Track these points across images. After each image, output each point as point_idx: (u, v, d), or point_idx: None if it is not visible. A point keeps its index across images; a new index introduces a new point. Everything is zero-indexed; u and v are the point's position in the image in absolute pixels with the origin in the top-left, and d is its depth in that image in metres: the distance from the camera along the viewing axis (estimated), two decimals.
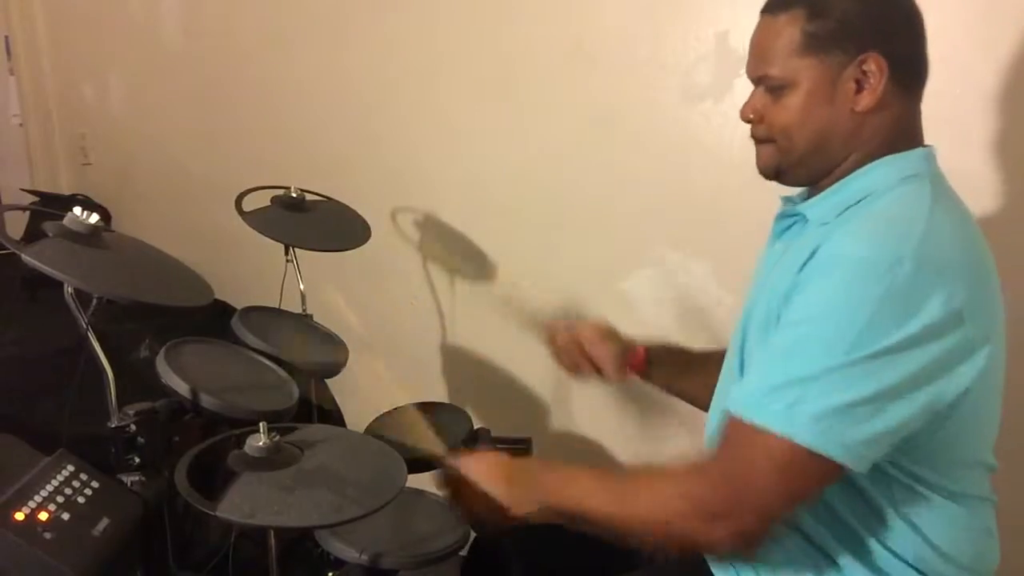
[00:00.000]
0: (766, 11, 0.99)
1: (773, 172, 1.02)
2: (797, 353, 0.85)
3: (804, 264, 0.90)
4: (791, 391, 0.84)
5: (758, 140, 1.02)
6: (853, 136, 0.96)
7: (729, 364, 1.08)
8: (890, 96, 0.94)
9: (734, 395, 0.90)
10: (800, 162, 0.99)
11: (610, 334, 1.32)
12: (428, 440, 1.17)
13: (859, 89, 0.94)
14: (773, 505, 0.87)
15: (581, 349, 1.33)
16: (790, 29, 0.95)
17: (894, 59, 0.94)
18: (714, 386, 1.14)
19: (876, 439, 0.84)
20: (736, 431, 0.88)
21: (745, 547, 0.88)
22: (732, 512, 0.86)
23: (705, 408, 1.16)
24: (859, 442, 0.83)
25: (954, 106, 1.33)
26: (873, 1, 0.95)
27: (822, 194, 0.99)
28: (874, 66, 0.93)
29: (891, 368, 0.82)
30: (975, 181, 1.33)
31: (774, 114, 0.98)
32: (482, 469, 1.06)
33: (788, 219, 1.05)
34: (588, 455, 1.95)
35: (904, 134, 0.98)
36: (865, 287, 0.83)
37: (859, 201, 0.95)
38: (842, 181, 0.97)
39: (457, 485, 1.09)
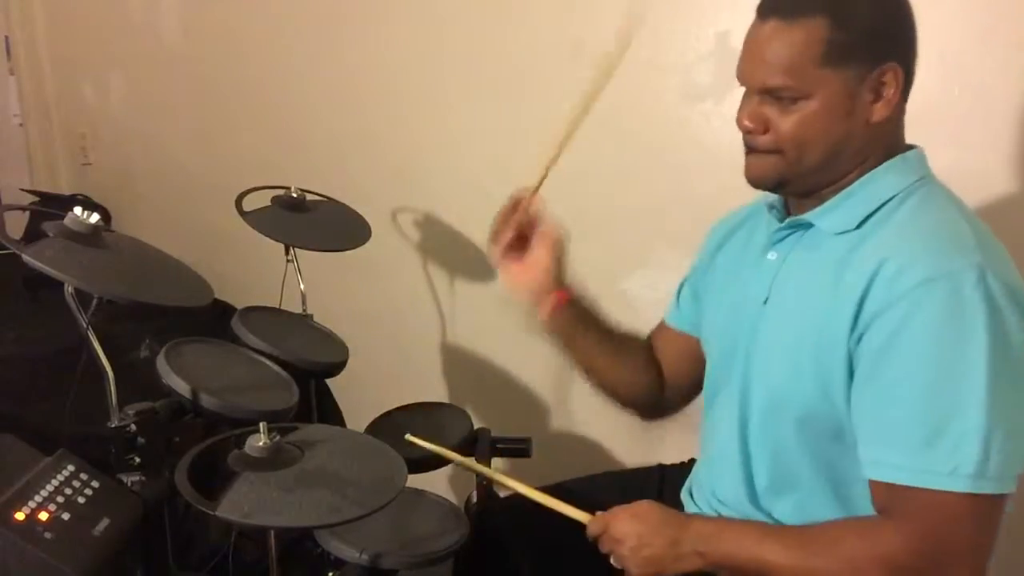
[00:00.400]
0: (776, 15, 0.92)
1: (774, 183, 0.99)
2: (933, 398, 0.84)
3: (864, 294, 0.88)
4: (945, 441, 0.83)
5: (758, 150, 0.97)
6: (865, 147, 0.95)
7: (727, 387, 1.07)
8: (896, 104, 0.94)
9: (876, 459, 0.88)
10: (808, 174, 0.96)
11: (560, 254, 1.24)
12: (568, 509, 1.11)
13: (875, 100, 0.92)
14: (980, 562, 0.86)
15: (523, 231, 1.24)
16: (811, 38, 0.90)
17: (907, 69, 0.93)
18: (619, 368, 1.17)
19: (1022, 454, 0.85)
20: (910, 501, 0.85)
21: None
22: None
23: (597, 386, 1.21)
24: (1017, 466, 0.84)
25: (953, 106, 1.33)
26: (892, 10, 0.93)
27: (830, 202, 0.97)
28: (892, 77, 0.92)
29: (1021, 376, 0.84)
30: (974, 181, 1.33)
31: (784, 125, 0.94)
32: (630, 528, 1.01)
33: (786, 231, 1.03)
34: (588, 455, 1.95)
35: (899, 136, 0.99)
36: (963, 309, 0.82)
37: (878, 208, 0.94)
38: (849, 189, 0.96)
39: (611, 547, 1.04)
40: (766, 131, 0.95)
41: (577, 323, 1.23)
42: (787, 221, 1.03)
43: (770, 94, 0.94)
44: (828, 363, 0.92)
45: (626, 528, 1.01)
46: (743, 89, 1.00)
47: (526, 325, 1.26)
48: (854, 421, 0.91)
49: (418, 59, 2.01)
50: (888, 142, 0.97)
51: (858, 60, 0.91)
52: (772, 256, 1.04)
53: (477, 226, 2.04)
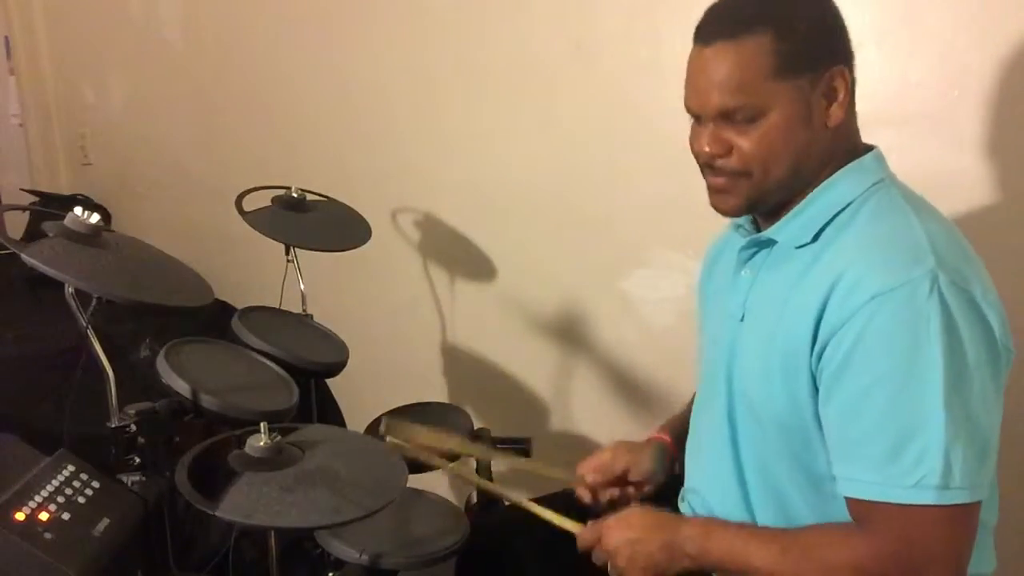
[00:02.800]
0: (720, 36, 0.91)
1: (745, 209, 0.99)
2: (892, 412, 0.84)
3: (821, 311, 0.88)
4: (908, 454, 0.83)
5: (725, 175, 0.96)
6: (826, 153, 0.95)
7: (714, 403, 1.07)
8: (848, 106, 0.94)
9: (844, 475, 0.89)
10: (776, 189, 0.95)
11: (626, 451, 1.21)
12: (560, 519, 1.11)
13: (829, 104, 0.92)
14: (957, 567, 0.86)
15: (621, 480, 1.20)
16: (759, 53, 0.89)
17: (851, 69, 0.94)
18: None
19: (991, 456, 0.86)
20: (880, 514, 0.86)
21: None
22: None
23: None
24: (984, 472, 0.85)
25: (952, 106, 1.33)
26: (829, 14, 0.93)
27: (787, 216, 0.97)
28: (841, 80, 0.92)
29: (978, 384, 0.84)
30: (973, 181, 1.33)
31: (746, 145, 0.92)
32: (623, 537, 1.01)
33: (751, 248, 1.03)
34: (588, 455, 1.95)
35: (854, 138, 0.99)
36: (916, 321, 0.83)
37: (833, 218, 0.94)
38: (806, 199, 0.96)
39: (606, 559, 1.04)
40: (730, 154, 0.95)
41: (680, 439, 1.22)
42: (748, 239, 1.03)
43: (727, 117, 0.93)
44: (795, 379, 0.93)
45: (619, 537, 1.02)
46: None
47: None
48: (825, 436, 0.92)
49: (418, 59, 2.01)
50: (847, 146, 0.97)
51: (807, 67, 0.91)
52: (745, 273, 1.04)
53: (477, 226, 2.04)
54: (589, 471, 1.19)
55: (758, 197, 0.96)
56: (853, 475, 0.88)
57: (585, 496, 1.19)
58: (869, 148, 1.00)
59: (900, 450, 0.84)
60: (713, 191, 0.99)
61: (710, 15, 0.95)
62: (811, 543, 0.92)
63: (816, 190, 0.96)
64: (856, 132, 0.99)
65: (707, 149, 0.95)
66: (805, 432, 0.94)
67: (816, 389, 0.91)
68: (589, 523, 1.07)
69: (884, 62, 1.38)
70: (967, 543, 0.87)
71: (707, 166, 0.98)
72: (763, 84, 0.90)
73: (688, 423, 1.19)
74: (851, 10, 1.27)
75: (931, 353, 0.82)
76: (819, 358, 0.90)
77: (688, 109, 0.98)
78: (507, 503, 1.22)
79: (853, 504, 0.89)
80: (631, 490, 1.20)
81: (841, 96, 0.92)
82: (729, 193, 0.97)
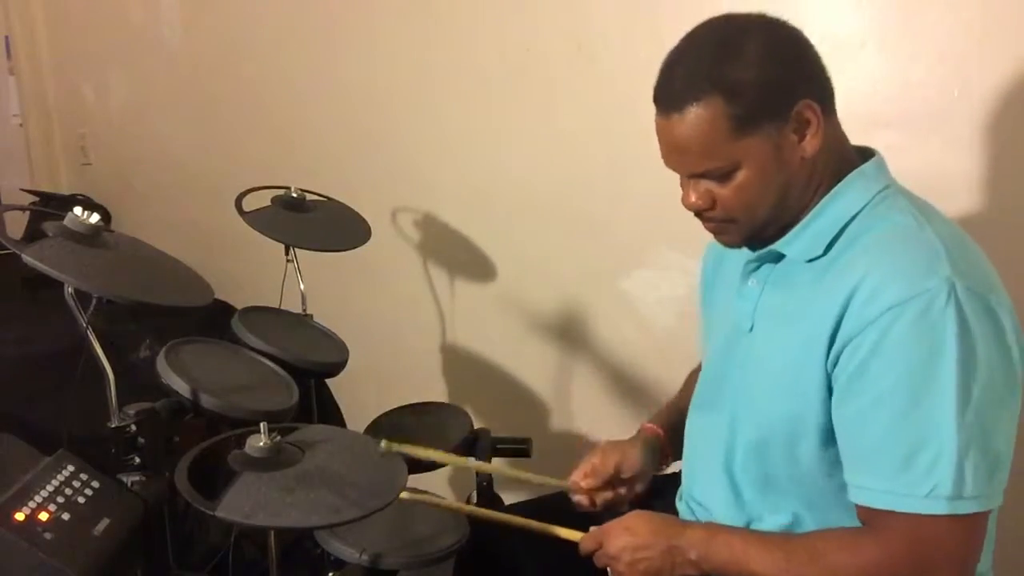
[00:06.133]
0: (672, 109, 0.93)
1: (746, 243, 1.01)
2: (905, 422, 0.85)
3: (839, 320, 0.88)
4: (920, 464, 0.83)
5: (715, 222, 0.99)
6: (811, 179, 0.95)
7: (715, 407, 1.07)
8: (826, 127, 0.93)
9: (856, 483, 0.89)
10: (767, 225, 0.97)
11: (614, 450, 1.21)
12: (561, 530, 1.12)
13: (802, 138, 0.92)
14: (965, 573, 0.87)
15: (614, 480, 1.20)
16: (713, 120, 0.90)
17: (820, 95, 0.93)
18: None
19: (1004, 465, 0.86)
20: (891, 522, 0.86)
21: None
22: None
23: None
24: (996, 481, 0.85)
25: (952, 106, 1.33)
26: (778, 57, 0.91)
27: (795, 230, 0.97)
28: (809, 112, 0.91)
29: (992, 392, 0.84)
30: (973, 181, 1.33)
31: (728, 197, 0.95)
32: (625, 542, 1.02)
33: (757, 261, 1.03)
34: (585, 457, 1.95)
35: (843, 148, 0.98)
36: (932, 331, 0.83)
37: (842, 230, 0.94)
38: (812, 212, 0.96)
39: (608, 564, 1.04)
40: (713, 206, 0.97)
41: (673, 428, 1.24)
42: (756, 253, 1.03)
43: (702, 176, 0.95)
44: (806, 388, 0.93)
45: (621, 543, 1.02)
46: None
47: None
48: (838, 444, 0.92)
49: (418, 59, 2.01)
50: (835, 162, 0.96)
51: (767, 117, 0.90)
52: (752, 284, 1.04)
53: (477, 226, 2.05)
54: (582, 477, 1.19)
55: (753, 234, 0.99)
56: (865, 483, 0.88)
57: (583, 502, 1.19)
58: (866, 152, 0.99)
59: (912, 459, 0.84)
60: (709, 230, 1.02)
61: (660, 84, 0.96)
62: (817, 549, 0.92)
63: (822, 203, 0.96)
64: (844, 143, 0.99)
65: (693, 203, 0.98)
66: (808, 441, 0.94)
67: (828, 395, 0.91)
68: (591, 528, 1.08)
69: (884, 62, 1.38)
70: (976, 551, 0.87)
71: (697, 215, 1.00)
72: (726, 146, 0.91)
73: (681, 411, 1.19)
74: (851, 10, 1.28)
75: (946, 363, 0.82)
76: (835, 363, 0.90)
77: (666, 166, 0.99)
78: (506, 506, 1.22)
79: (864, 512, 0.89)
80: (623, 490, 1.19)
81: (813, 127, 0.92)
82: (724, 233, 1.01)
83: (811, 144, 0.92)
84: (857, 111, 1.34)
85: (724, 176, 0.93)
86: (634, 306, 1.80)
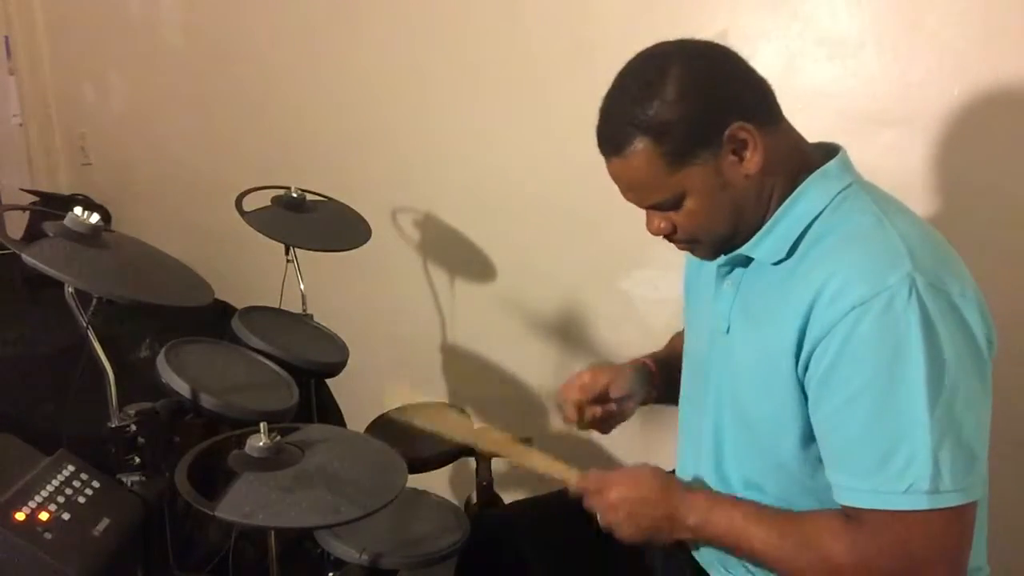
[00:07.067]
0: (611, 153, 0.97)
1: (719, 255, 1.03)
2: (877, 420, 0.85)
3: (805, 323, 0.89)
4: (896, 461, 0.84)
5: (682, 243, 1.03)
6: (762, 191, 0.96)
7: (700, 402, 1.08)
8: (767, 139, 0.93)
9: (836, 483, 0.90)
10: (730, 237, 1.00)
11: (606, 369, 1.22)
12: (556, 468, 1.11)
13: (742, 158, 0.93)
14: (957, 563, 0.87)
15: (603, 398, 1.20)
16: (647, 159, 0.93)
17: (752, 113, 0.93)
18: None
19: (980, 456, 0.86)
20: (875, 519, 0.87)
21: None
22: None
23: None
24: (975, 473, 0.85)
25: (954, 106, 1.33)
26: (702, 84, 0.92)
27: (759, 233, 0.98)
28: (743, 133, 0.92)
29: (962, 384, 0.84)
30: (972, 181, 1.33)
31: (684, 222, 0.98)
32: (628, 493, 1.01)
33: (728, 265, 1.04)
34: (588, 455, 1.95)
35: (797, 148, 0.99)
36: (896, 327, 0.83)
37: (805, 232, 0.95)
38: (775, 216, 0.97)
39: (602, 510, 1.03)
40: (675, 231, 1.00)
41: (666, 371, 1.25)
42: (726, 257, 1.04)
43: (655, 208, 1.00)
44: (781, 390, 0.94)
45: (624, 492, 1.01)
46: None
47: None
48: (818, 444, 0.93)
49: (419, 60, 2.01)
50: (791, 167, 0.97)
51: (700, 147, 0.92)
52: (727, 286, 1.05)
53: (477, 226, 2.05)
54: (573, 390, 1.19)
55: (721, 248, 1.03)
56: (847, 483, 0.89)
57: (572, 416, 1.19)
58: (829, 149, 0.99)
59: (888, 457, 0.84)
60: (683, 251, 1.07)
61: (599, 129, 1.00)
62: (811, 532, 0.92)
63: (783, 206, 0.96)
64: (799, 144, 0.99)
65: (655, 230, 1.02)
66: (789, 441, 0.95)
67: (803, 398, 0.92)
68: (592, 470, 1.07)
69: (884, 62, 1.38)
70: (964, 543, 0.87)
71: (666, 239, 1.04)
72: (667, 180, 0.94)
73: (672, 360, 1.22)
74: (851, 10, 1.27)
75: (912, 359, 0.83)
76: (805, 368, 0.91)
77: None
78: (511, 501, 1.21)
79: (851, 511, 0.90)
80: (613, 406, 1.20)
81: (751, 146, 0.93)
82: (695, 251, 1.06)
83: (752, 162, 0.93)
84: (857, 111, 1.34)
85: (674, 205, 0.97)
86: (634, 306, 1.80)
